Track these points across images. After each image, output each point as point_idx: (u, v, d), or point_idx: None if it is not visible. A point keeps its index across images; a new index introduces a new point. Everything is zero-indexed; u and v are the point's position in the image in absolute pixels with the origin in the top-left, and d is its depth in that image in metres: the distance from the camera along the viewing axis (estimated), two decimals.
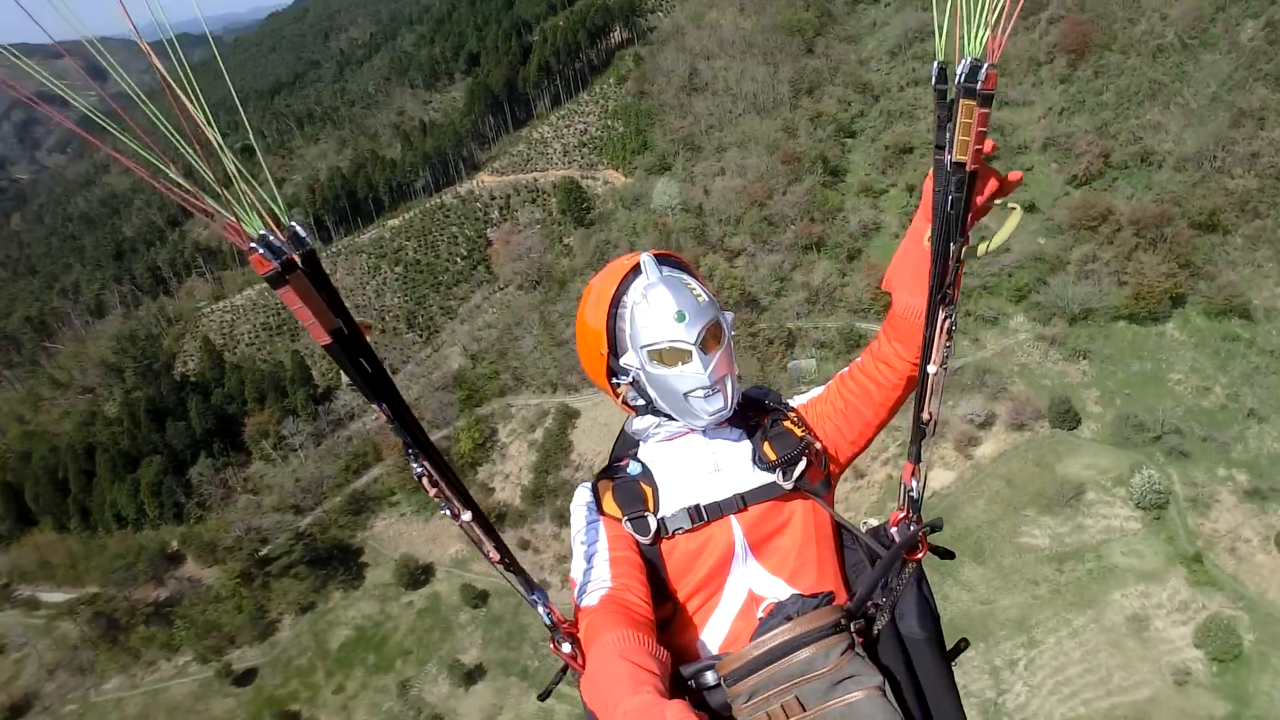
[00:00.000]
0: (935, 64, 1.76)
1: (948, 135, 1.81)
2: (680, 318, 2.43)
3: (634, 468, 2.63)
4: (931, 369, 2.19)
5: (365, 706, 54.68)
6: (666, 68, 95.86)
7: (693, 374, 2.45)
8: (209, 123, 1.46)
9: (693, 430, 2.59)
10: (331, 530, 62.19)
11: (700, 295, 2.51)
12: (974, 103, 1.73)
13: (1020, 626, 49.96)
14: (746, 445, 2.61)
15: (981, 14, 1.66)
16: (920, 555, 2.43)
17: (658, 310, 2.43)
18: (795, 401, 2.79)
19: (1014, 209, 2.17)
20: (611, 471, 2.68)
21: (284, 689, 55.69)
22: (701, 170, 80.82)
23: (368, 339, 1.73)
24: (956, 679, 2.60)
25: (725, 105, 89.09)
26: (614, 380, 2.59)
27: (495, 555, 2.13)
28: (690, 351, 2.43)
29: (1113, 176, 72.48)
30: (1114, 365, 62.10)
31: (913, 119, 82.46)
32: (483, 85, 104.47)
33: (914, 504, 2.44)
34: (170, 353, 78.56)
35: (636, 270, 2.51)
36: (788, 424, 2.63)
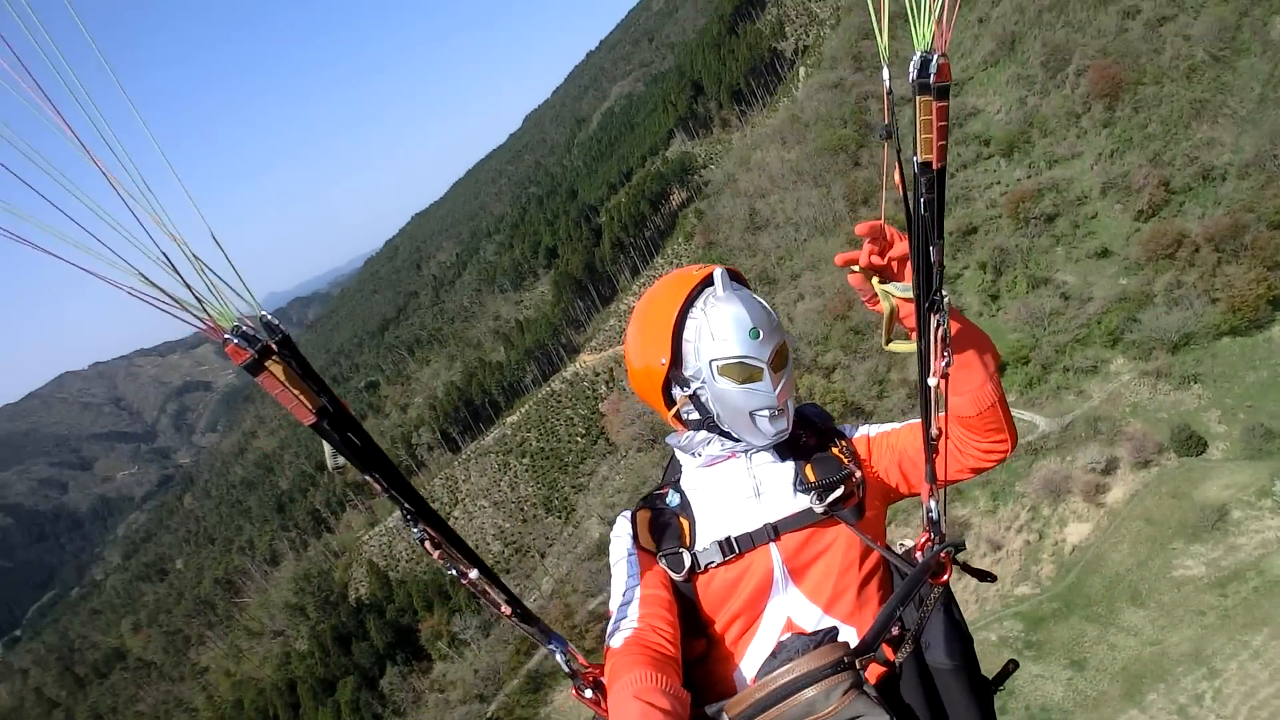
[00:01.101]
0: (884, 68, 1.79)
1: (912, 135, 1.83)
2: (755, 335, 2.42)
3: (673, 498, 2.64)
4: (932, 382, 2.09)
5: None
6: (727, 214, 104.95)
7: (762, 393, 2.45)
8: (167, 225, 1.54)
9: (736, 454, 2.58)
10: (516, 711, 67.67)
11: (771, 315, 2.53)
12: (930, 97, 1.74)
13: (1197, 659, 49.94)
14: (790, 465, 2.58)
15: (924, 8, 1.68)
16: (945, 578, 2.40)
17: (732, 324, 2.42)
18: (860, 431, 2.77)
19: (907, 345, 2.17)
20: (652, 500, 2.68)
21: None
22: (781, 300, 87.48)
23: (349, 411, 1.81)
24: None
25: (789, 235, 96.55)
26: (670, 393, 2.55)
27: (507, 609, 2.14)
28: (762, 369, 2.44)
29: (1179, 202, 74.93)
30: (1228, 381, 63.29)
31: (969, 201, 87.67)
32: (564, 275, 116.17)
33: (934, 525, 2.42)
34: (342, 582, 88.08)
35: (705, 283, 2.51)
36: (835, 451, 2.62)
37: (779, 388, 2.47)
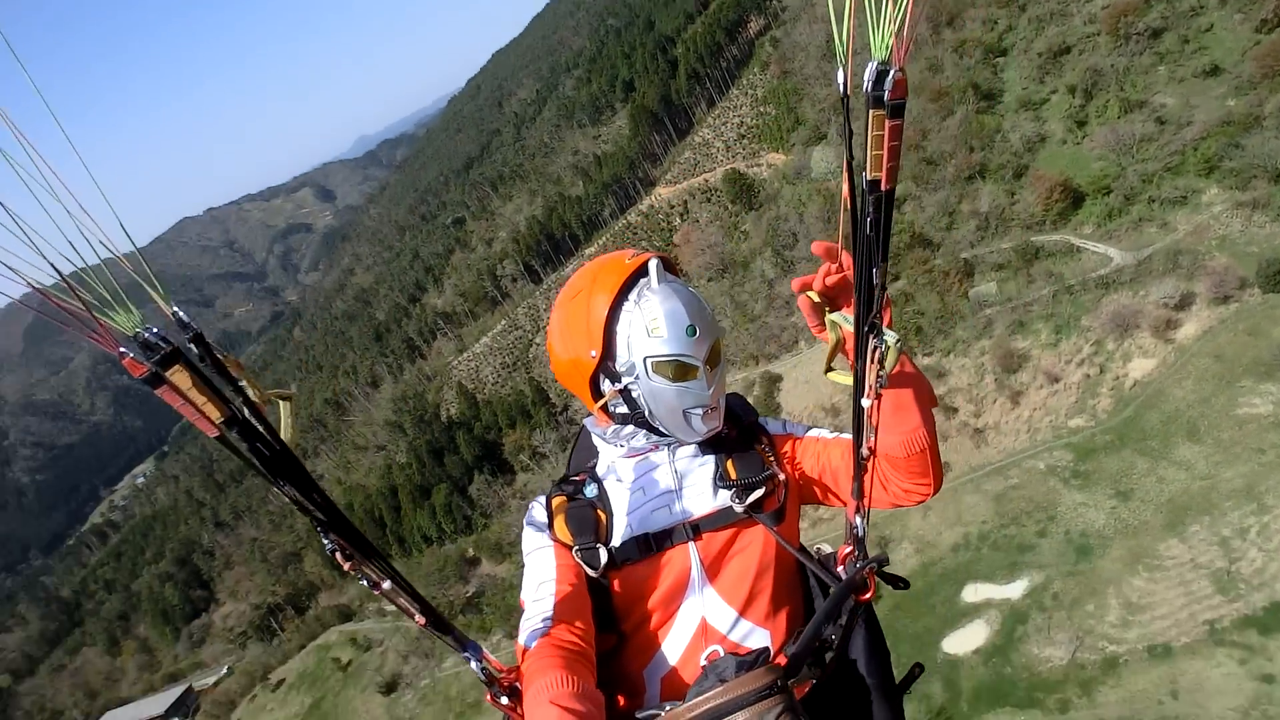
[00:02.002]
0: (839, 73, 1.57)
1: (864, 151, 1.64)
2: (691, 332, 2.36)
3: (590, 488, 2.57)
4: (865, 403, 2.04)
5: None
6: (803, 42, 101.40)
7: (696, 391, 2.40)
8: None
9: (659, 447, 2.54)
10: None
11: (706, 309, 2.46)
12: (883, 113, 1.55)
13: (1248, 495, 49.53)
14: (711, 460, 2.55)
15: (884, 15, 1.49)
16: (868, 595, 2.37)
17: (669, 321, 2.35)
18: (786, 429, 2.72)
19: (890, 346, 2.00)
20: (568, 489, 2.59)
21: None
22: (856, 128, 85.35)
23: (284, 411, 1.73)
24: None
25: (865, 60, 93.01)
26: (598, 386, 2.48)
27: (421, 619, 2.11)
28: (698, 368, 2.38)
29: None
30: None
31: (1065, 17, 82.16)
32: (641, 108, 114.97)
33: (859, 542, 2.38)
34: (434, 403, 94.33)
35: (640, 273, 2.42)
36: (759, 448, 2.59)
37: (713, 386, 2.43)
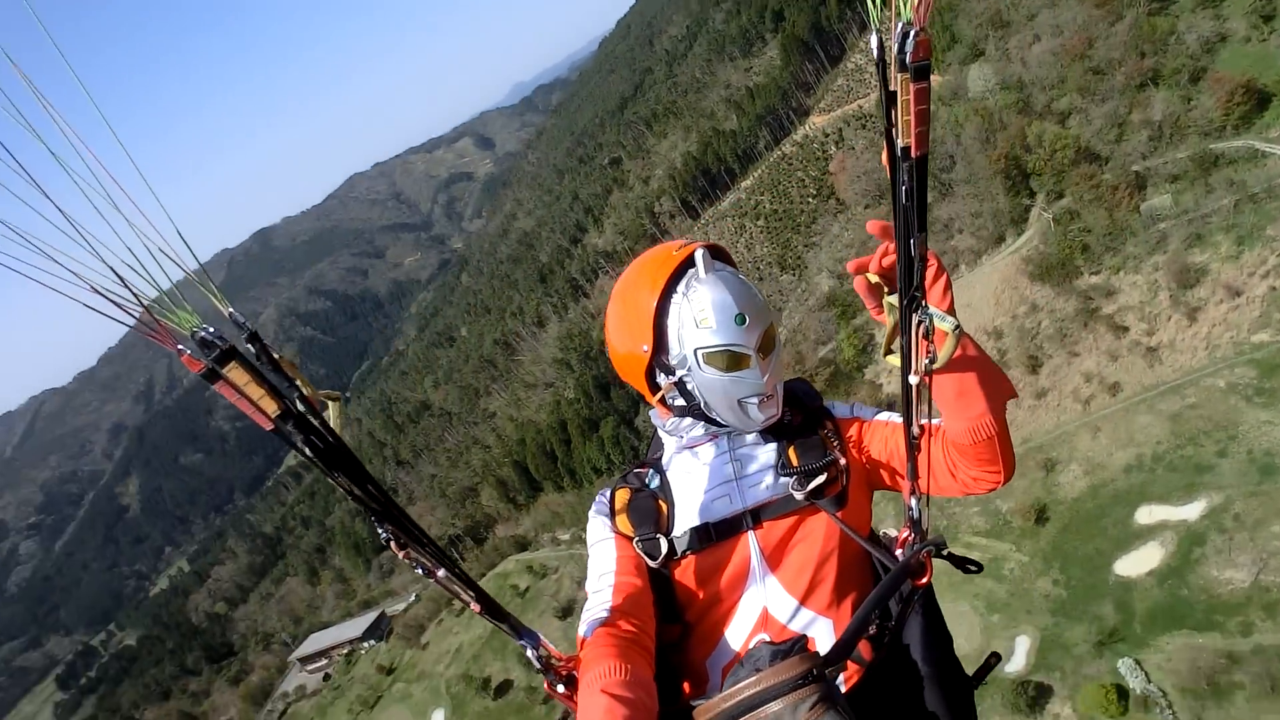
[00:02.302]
0: (874, 34, 1.51)
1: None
2: (741, 320, 2.34)
3: (652, 479, 2.61)
4: (913, 380, 1.98)
5: None
6: None
7: (750, 380, 2.39)
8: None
9: (717, 436, 2.55)
10: None
11: (757, 296, 2.44)
12: (907, 76, 1.49)
13: None
14: (773, 447, 2.55)
15: None
16: (925, 579, 2.35)
17: (718, 310, 2.33)
18: (852, 412, 2.67)
19: (949, 332, 1.96)
20: (631, 480, 2.65)
21: None
22: (1015, 44, 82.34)
23: (333, 410, 1.77)
24: None
25: None
26: (654, 379, 2.49)
27: (477, 606, 2.14)
28: (749, 356, 2.37)
29: None
30: None
31: None
32: (792, 37, 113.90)
33: (915, 524, 2.37)
34: (599, 339, 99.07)
35: (687, 263, 2.40)
36: (822, 433, 2.56)
37: (767, 374, 2.41)
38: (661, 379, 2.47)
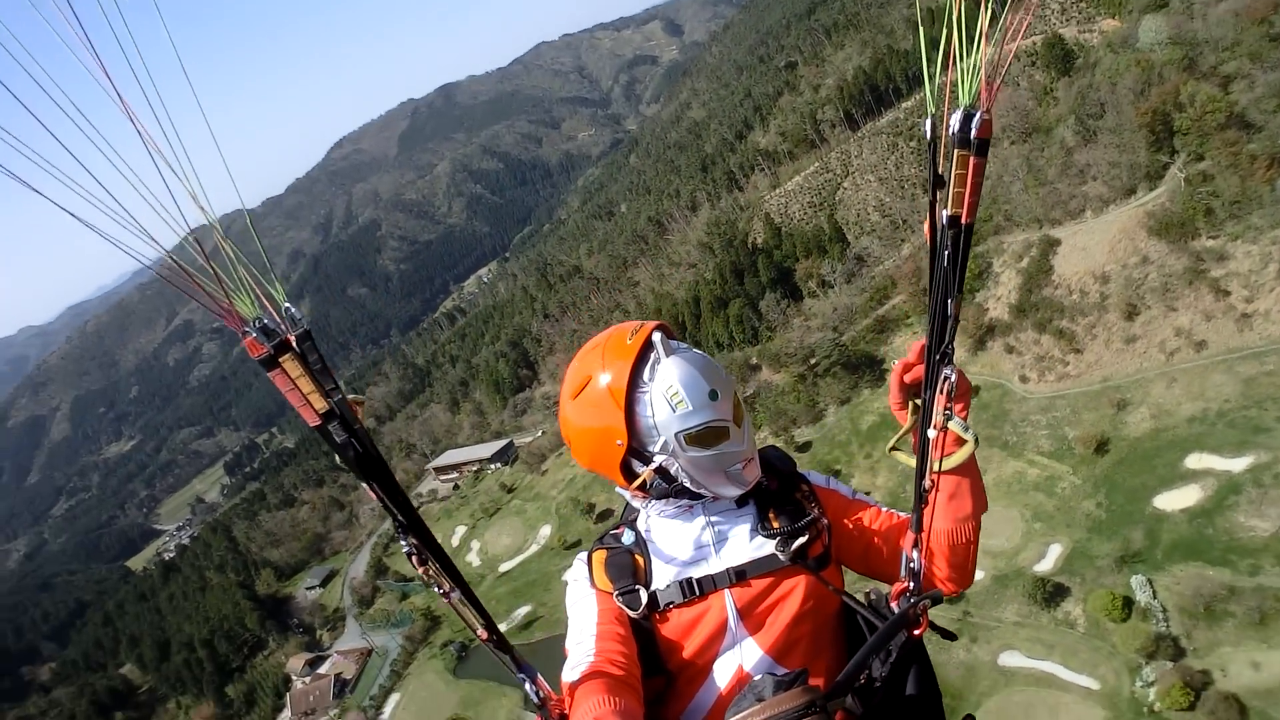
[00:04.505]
0: (928, 118, 1.78)
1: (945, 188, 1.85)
2: (714, 396, 2.48)
3: (628, 537, 2.73)
4: (932, 434, 2.15)
5: (886, 468, 74.98)
6: None
7: (733, 450, 2.53)
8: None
9: (692, 507, 2.65)
10: (860, 345, 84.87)
11: (717, 366, 2.57)
12: (968, 152, 1.75)
13: None
14: (751, 511, 2.68)
15: (975, 62, 1.72)
16: (921, 630, 2.46)
17: (690, 390, 2.46)
18: (830, 484, 2.87)
19: (968, 442, 2.28)
20: (607, 541, 2.78)
21: (829, 455, 78.99)
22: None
23: (359, 416, 1.85)
24: None
25: None
26: (630, 469, 2.57)
27: (484, 634, 2.26)
28: (729, 428, 2.52)
29: None
30: None
31: None
32: None
33: (914, 575, 2.47)
34: (744, 230, 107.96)
35: (644, 353, 2.51)
36: (799, 495, 2.73)
37: (745, 440, 2.57)
38: (639, 468, 2.56)
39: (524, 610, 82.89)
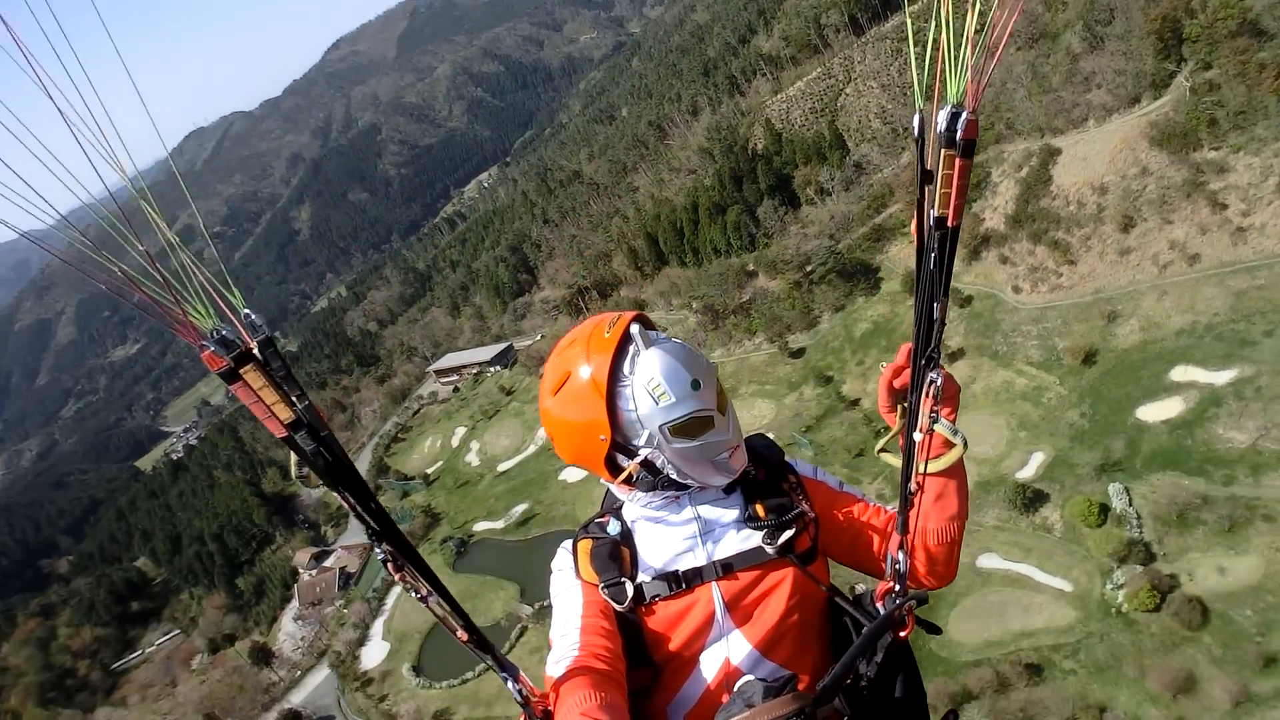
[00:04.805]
0: (916, 114, 1.75)
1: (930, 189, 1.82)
2: (696, 385, 2.46)
3: (613, 527, 2.70)
4: (918, 436, 2.15)
5: (876, 374, 75.95)
6: None
7: (719, 439, 2.53)
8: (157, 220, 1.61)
9: (679, 498, 2.64)
10: (856, 253, 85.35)
11: (697, 354, 2.56)
12: (954, 153, 1.72)
13: None
14: (738, 503, 2.67)
15: (962, 60, 1.67)
16: (907, 632, 2.47)
17: (672, 381, 2.44)
18: (818, 475, 2.84)
19: (956, 445, 2.32)
20: (592, 530, 2.74)
21: (822, 361, 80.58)
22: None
23: (325, 422, 1.82)
24: None
25: None
26: (614, 463, 2.57)
27: (464, 635, 2.23)
28: (713, 417, 2.51)
29: None
30: None
31: None
32: None
33: (900, 576, 2.48)
34: (744, 136, 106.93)
35: (622, 345, 2.49)
36: (787, 486, 2.72)
37: (730, 428, 2.57)
38: (624, 461, 2.54)
39: (521, 508, 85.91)
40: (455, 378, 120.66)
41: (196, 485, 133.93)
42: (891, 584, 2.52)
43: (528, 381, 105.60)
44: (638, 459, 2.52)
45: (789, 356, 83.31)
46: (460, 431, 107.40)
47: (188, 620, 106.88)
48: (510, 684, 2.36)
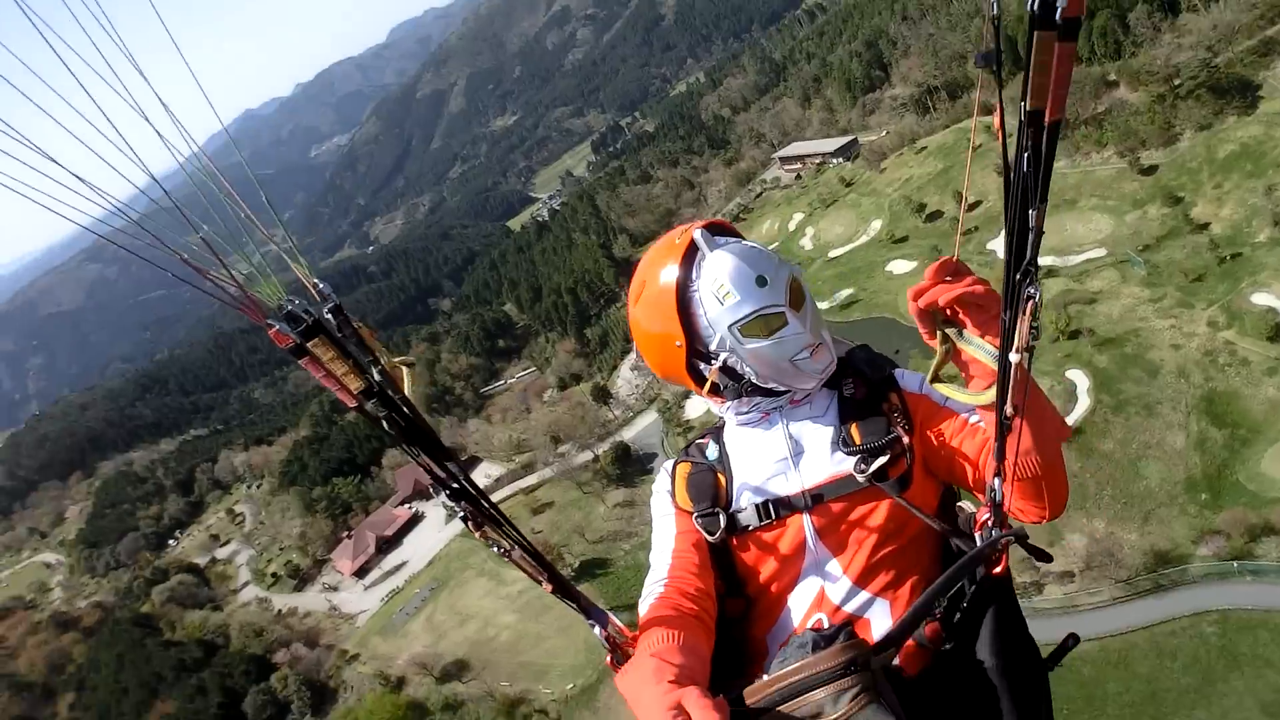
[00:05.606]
0: None
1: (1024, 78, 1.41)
2: (762, 282, 2.43)
3: (712, 451, 2.72)
4: (1014, 357, 1.90)
5: (1234, 200, 71.47)
6: None
7: (793, 335, 2.47)
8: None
9: (768, 414, 2.64)
10: (1236, 67, 78.65)
11: (769, 254, 2.53)
12: (1053, 35, 1.35)
13: None
14: (833, 423, 2.60)
15: None
16: (1000, 569, 2.31)
17: (736, 280, 2.42)
18: (922, 388, 2.63)
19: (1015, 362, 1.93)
20: (692, 453, 2.78)
21: (1174, 181, 76.55)
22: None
23: (407, 379, 1.84)
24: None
25: None
26: (697, 371, 2.57)
27: (549, 585, 2.23)
28: (784, 313, 2.45)
29: None
30: None
31: None
32: None
33: (996, 507, 2.33)
34: None
35: (690, 252, 2.50)
36: (886, 407, 2.58)
37: (808, 324, 2.50)
38: (705, 369, 2.55)
39: (846, 292, 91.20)
40: (799, 165, 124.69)
41: (557, 244, 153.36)
42: (987, 515, 2.36)
43: (867, 175, 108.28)
44: (716, 364, 2.52)
45: (1138, 173, 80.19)
46: (798, 217, 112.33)
47: (543, 359, 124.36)
48: (598, 630, 2.32)
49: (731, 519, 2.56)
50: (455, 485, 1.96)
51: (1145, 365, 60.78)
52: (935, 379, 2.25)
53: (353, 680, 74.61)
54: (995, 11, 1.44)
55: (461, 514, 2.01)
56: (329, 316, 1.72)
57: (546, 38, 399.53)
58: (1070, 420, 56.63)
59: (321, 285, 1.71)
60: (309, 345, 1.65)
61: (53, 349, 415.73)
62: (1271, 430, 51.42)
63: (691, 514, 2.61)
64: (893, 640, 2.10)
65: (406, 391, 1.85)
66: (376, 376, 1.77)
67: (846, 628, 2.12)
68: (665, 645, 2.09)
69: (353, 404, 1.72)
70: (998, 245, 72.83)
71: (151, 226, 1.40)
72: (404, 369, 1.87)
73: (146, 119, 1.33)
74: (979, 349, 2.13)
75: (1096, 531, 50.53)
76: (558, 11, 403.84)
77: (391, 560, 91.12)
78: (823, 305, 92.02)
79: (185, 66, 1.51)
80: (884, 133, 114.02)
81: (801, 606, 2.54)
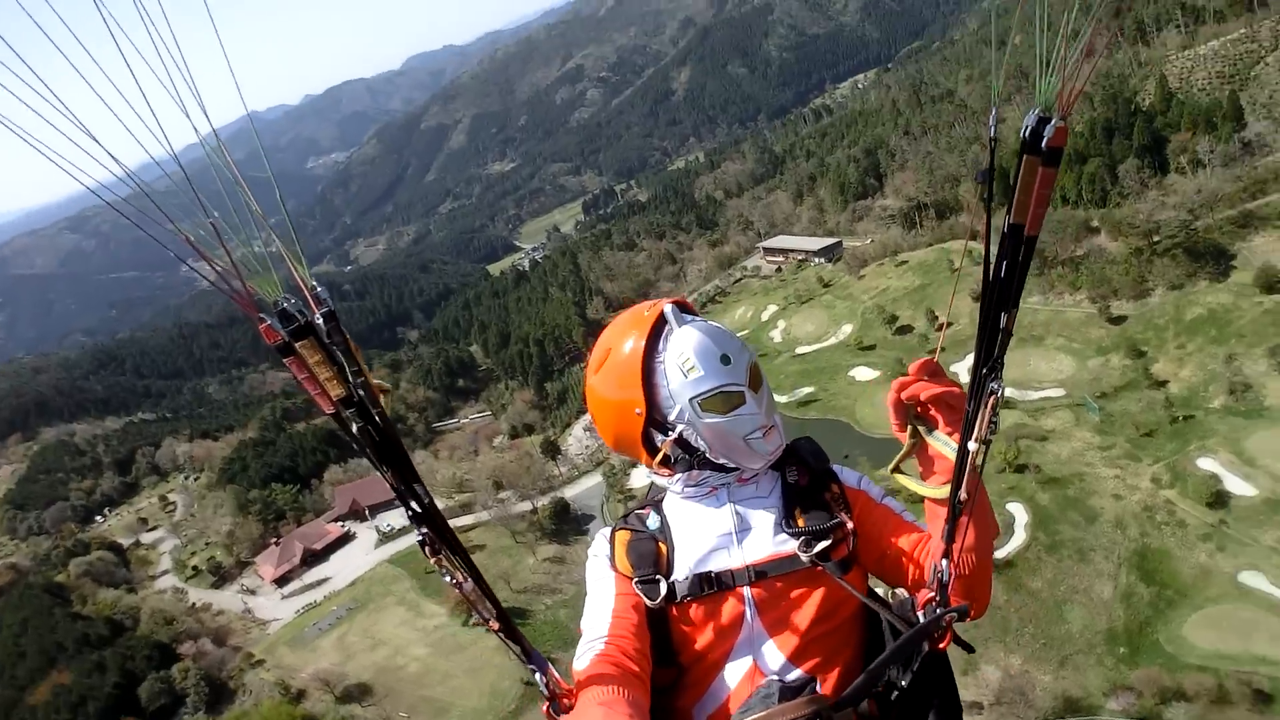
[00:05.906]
0: (993, 110, 1.71)
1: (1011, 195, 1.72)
2: (726, 360, 2.53)
3: (653, 521, 2.73)
4: (972, 446, 2.04)
5: (1195, 363, 72.53)
6: None
7: (749, 415, 2.55)
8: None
9: (716, 490, 2.67)
10: (1213, 233, 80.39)
11: (733, 335, 2.62)
12: (1038, 160, 1.61)
13: None
14: (777, 505, 2.66)
15: (1056, 59, 1.53)
16: (945, 644, 2.39)
17: (702, 356, 2.51)
18: (860, 484, 2.76)
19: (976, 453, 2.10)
20: (632, 521, 2.78)
21: (1140, 334, 77.69)
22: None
23: (383, 403, 1.82)
24: None
25: None
26: (651, 441, 2.62)
27: (495, 624, 2.20)
28: (743, 392, 2.54)
29: None
30: None
31: None
32: None
33: (943, 586, 2.36)
34: (1133, 89, 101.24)
35: (659, 324, 2.59)
36: (828, 495, 2.67)
37: (763, 406, 2.60)
38: (659, 439, 2.61)
39: (806, 390, 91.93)
40: (781, 259, 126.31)
41: (533, 295, 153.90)
42: (932, 594, 2.40)
43: (845, 279, 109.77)
44: (672, 435, 2.58)
45: (1107, 321, 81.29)
46: (772, 308, 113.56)
47: (499, 405, 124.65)
48: (538, 676, 2.32)
49: (671, 587, 2.57)
50: (419, 508, 1.96)
51: (1085, 510, 60.92)
52: (896, 470, 2.47)
53: (253, 685, 72.72)
54: (994, 134, 1.75)
55: (420, 538, 2.01)
56: (320, 321, 1.73)
57: (557, 92, 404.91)
58: (1004, 553, 56.65)
59: (319, 289, 1.72)
60: (297, 345, 1.66)
61: (16, 310, 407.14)
62: (1198, 595, 51.42)
63: (631, 579, 2.62)
64: (853, 697, 2.23)
65: (386, 410, 1.87)
66: (358, 389, 1.78)
67: (811, 681, 2.34)
68: (612, 697, 2.13)
69: (330, 410, 1.74)
70: (961, 368, 72.82)
71: (158, 202, 1.40)
72: (382, 394, 1.87)
73: (176, 94, 1.34)
74: (944, 445, 2.32)
75: (1012, 667, 50.41)
76: (572, 69, 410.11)
77: (314, 574, 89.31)
78: (781, 399, 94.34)
79: (224, 56, 1.54)
80: (869, 240, 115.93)
81: (734, 679, 2.55)
